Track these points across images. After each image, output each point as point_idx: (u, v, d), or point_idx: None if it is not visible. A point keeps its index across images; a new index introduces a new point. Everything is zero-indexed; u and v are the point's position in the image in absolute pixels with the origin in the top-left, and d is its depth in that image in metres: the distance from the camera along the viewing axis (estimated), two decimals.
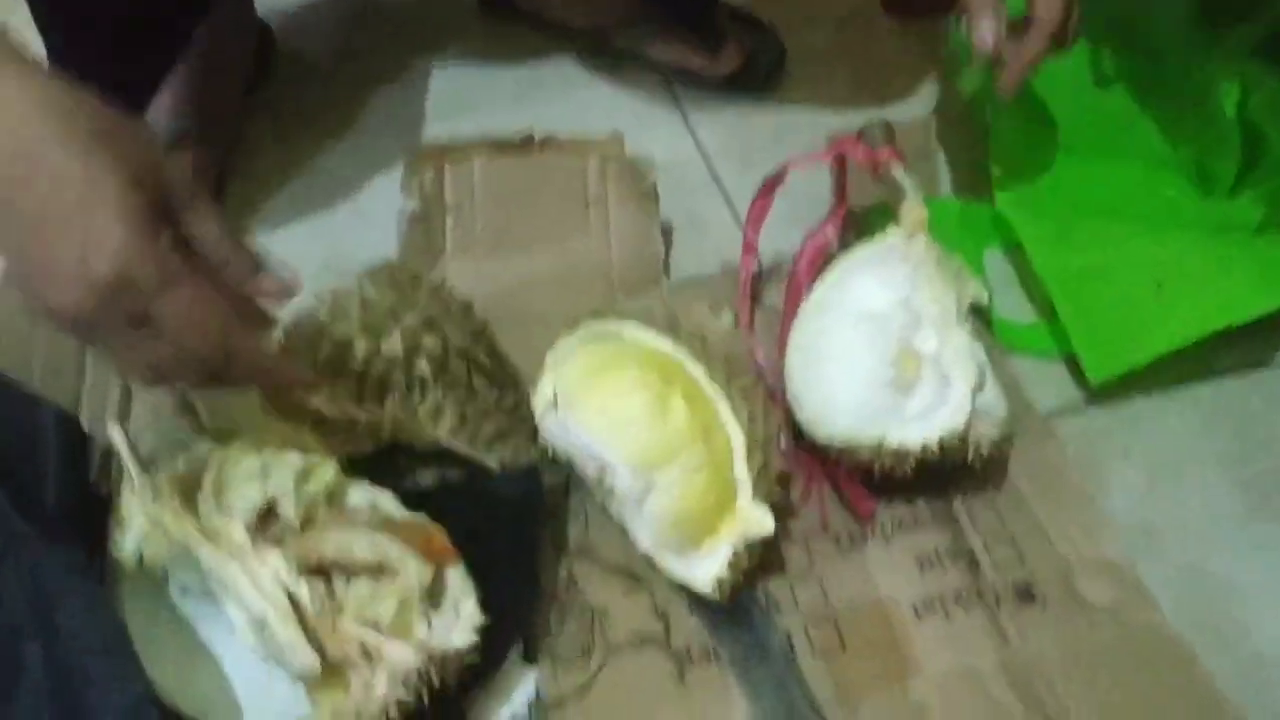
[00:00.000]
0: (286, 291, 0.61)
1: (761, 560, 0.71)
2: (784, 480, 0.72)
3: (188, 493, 0.65)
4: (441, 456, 0.74)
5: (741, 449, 0.69)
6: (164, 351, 0.55)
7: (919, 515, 0.77)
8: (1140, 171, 0.97)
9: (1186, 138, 0.99)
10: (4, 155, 0.50)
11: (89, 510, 0.66)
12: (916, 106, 1.05)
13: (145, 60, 0.91)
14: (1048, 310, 0.89)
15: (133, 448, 0.64)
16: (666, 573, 0.71)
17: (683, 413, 0.68)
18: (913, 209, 0.77)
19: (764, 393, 0.74)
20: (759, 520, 0.68)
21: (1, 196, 0.51)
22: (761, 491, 0.69)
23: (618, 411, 0.69)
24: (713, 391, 0.70)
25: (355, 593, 0.62)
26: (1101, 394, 0.85)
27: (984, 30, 0.79)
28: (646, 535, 0.71)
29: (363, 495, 0.69)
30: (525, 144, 0.86)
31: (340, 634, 0.59)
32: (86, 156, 0.50)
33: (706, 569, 0.69)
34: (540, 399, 0.73)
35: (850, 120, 0.98)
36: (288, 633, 0.58)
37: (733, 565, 0.68)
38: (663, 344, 0.71)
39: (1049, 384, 0.86)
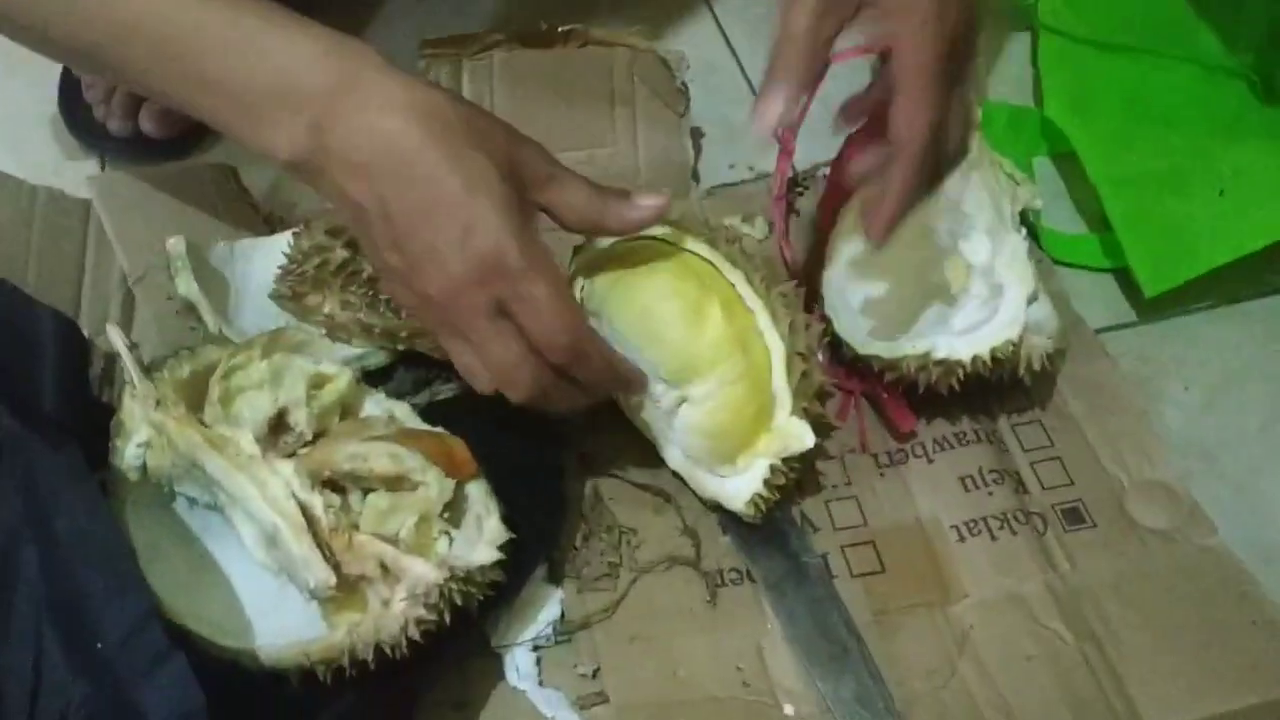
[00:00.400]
0: (663, 208, 0.61)
1: (799, 478, 0.67)
2: (822, 395, 0.68)
3: (194, 400, 0.61)
4: None
5: (781, 360, 0.64)
6: (516, 348, 0.57)
7: (962, 433, 0.73)
8: (1198, 77, 0.92)
9: (1247, 42, 0.94)
10: (383, 156, 0.53)
11: (89, 417, 0.63)
12: None
13: None
14: (1099, 221, 0.85)
15: (134, 350, 0.60)
16: (698, 490, 0.67)
17: (720, 321, 0.64)
18: None
19: (802, 302, 0.70)
20: (798, 435, 0.64)
21: (382, 196, 0.54)
22: (801, 406, 0.65)
23: (651, 319, 0.64)
24: (751, 299, 0.65)
25: (372, 506, 0.59)
26: (1154, 309, 0.81)
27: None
28: (678, 450, 0.67)
29: (378, 406, 0.66)
30: (548, 36, 0.81)
31: (356, 549, 0.56)
32: (459, 151, 0.53)
33: (741, 486, 0.65)
34: None
35: None
36: (301, 547, 0.55)
37: (769, 482, 0.64)
38: (698, 247, 0.67)
39: (1099, 298, 0.82)
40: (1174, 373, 0.79)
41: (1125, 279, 0.82)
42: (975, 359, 0.66)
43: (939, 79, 0.57)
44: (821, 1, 0.58)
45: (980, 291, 0.69)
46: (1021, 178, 0.72)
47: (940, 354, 0.66)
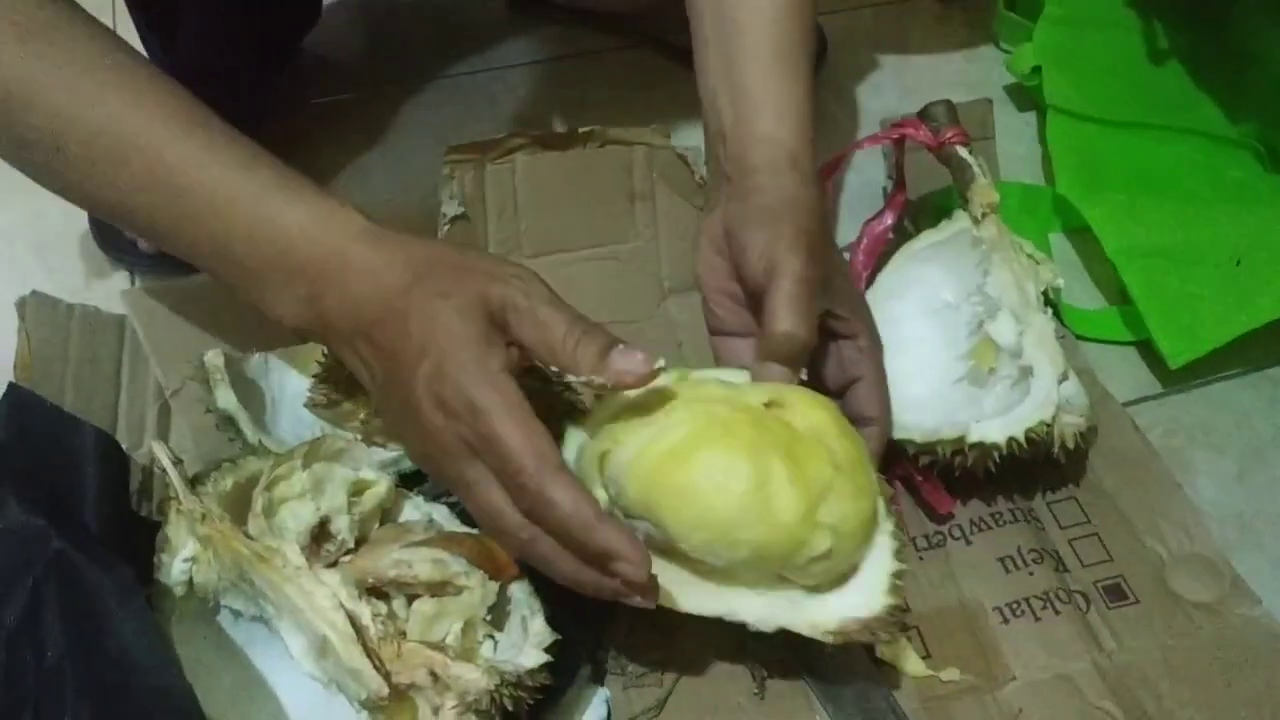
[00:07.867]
0: (649, 374, 0.55)
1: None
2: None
3: (237, 512, 0.61)
4: None
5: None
6: (490, 495, 0.55)
7: (999, 514, 0.73)
8: (1203, 149, 0.94)
9: (1249, 113, 0.96)
10: (361, 323, 0.56)
11: (131, 533, 0.63)
12: (966, 89, 1.02)
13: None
14: (1118, 294, 0.86)
15: (179, 465, 0.61)
16: (806, 625, 0.60)
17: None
18: (982, 191, 0.73)
19: None
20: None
21: (366, 359, 0.56)
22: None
23: (716, 506, 0.56)
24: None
25: (418, 613, 0.59)
26: (1179, 379, 0.81)
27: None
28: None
29: (417, 509, 0.66)
30: (568, 138, 0.83)
31: (405, 657, 0.56)
32: (424, 304, 0.54)
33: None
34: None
35: (898, 107, 0.94)
36: (352, 657, 0.55)
37: (899, 554, 0.61)
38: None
39: (1122, 371, 0.83)
40: (1204, 442, 0.79)
41: (1148, 351, 0.83)
42: (1010, 441, 0.66)
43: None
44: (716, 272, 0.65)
45: (1010, 373, 0.70)
46: (1041, 258, 0.73)
47: (975, 438, 0.66)
